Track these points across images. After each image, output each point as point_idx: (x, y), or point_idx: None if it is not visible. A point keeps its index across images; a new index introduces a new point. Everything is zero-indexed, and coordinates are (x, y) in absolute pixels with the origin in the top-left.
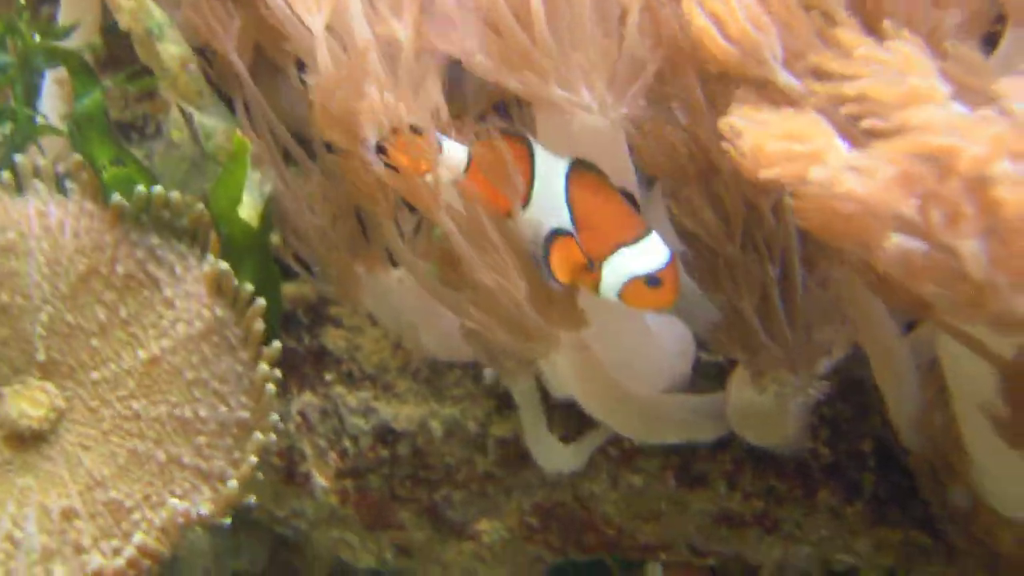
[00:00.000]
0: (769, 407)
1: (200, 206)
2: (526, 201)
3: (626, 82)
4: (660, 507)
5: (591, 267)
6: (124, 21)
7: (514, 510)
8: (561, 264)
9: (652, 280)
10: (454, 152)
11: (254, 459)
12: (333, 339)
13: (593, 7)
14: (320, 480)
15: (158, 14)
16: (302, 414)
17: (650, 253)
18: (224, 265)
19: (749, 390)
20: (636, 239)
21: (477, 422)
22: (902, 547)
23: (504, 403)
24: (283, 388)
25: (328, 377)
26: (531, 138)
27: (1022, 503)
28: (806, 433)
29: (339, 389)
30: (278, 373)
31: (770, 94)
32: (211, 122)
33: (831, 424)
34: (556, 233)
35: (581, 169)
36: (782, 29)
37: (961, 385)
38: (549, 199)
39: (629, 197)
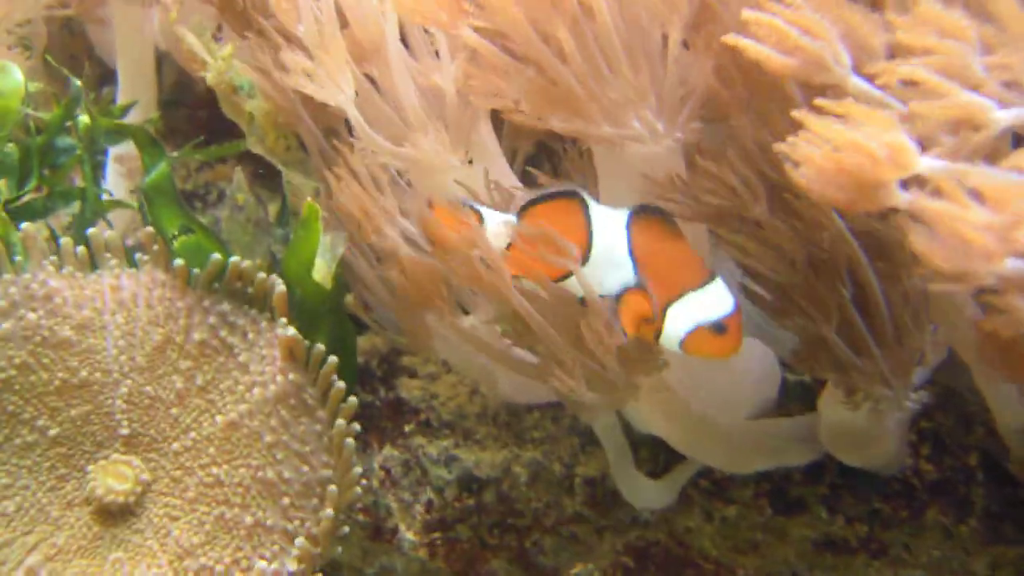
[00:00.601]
0: (864, 424)
1: (262, 274)
2: (585, 259)
3: (676, 106)
4: (757, 537)
5: (655, 317)
6: (211, 79)
7: (607, 551)
8: (630, 318)
9: (718, 327)
10: (495, 224)
11: (330, 512)
12: (408, 389)
13: (629, 35)
14: (408, 535)
15: (245, 71)
16: (385, 468)
17: (715, 300)
18: (292, 330)
19: (841, 409)
20: (701, 285)
21: (562, 463)
22: (1022, 563)
23: (588, 441)
24: (364, 443)
25: (407, 428)
26: (583, 193)
27: None
28: (906, 450)
29: (419, 440)
30: (357, 427)
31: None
32: (298, 179)
33: (932, 438)
34: (626, 289)
35: (644, 215)
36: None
37: None
38: (610, 253)
39: None
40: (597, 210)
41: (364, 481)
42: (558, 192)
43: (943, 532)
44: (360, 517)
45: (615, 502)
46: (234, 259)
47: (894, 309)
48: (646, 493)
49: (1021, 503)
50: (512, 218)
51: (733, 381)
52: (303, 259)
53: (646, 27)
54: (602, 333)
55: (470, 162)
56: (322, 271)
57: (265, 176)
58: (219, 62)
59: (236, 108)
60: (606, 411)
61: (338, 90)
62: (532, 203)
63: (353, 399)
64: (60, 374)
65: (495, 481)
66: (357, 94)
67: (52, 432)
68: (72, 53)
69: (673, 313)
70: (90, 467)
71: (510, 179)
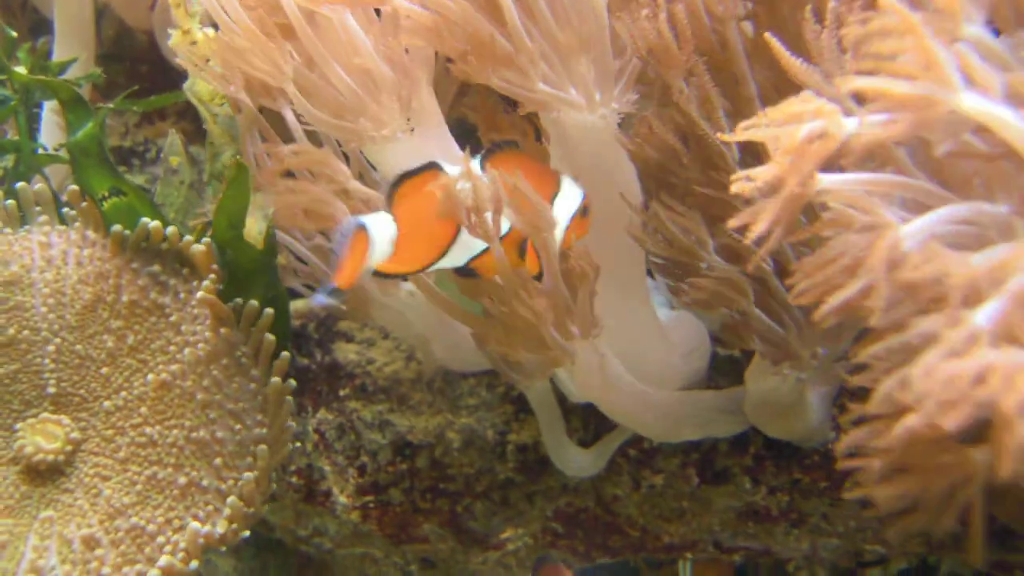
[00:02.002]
0: (788, 396)
1: (189, 239)
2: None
3: (615, 77)
4: (683, 505)
5: None
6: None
7: (537, 516)
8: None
9: (584, 211)
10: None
11: (249, 475)
12: (345, 353)
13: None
14: (341, 498)
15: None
16: (319, 432)
17: (573, 193)
18: (204, 291)
19: (766, 381)
20: (560, 188)
21: (495, 430)
22: (929, 532)
23: (521, 409)
24: (299, 406)
25: (343, 392)
26: (439, 164)
27: None
28: (829, 423)
29: (354, 404)
30: (292, 383)
31: None
32: (222, 137)
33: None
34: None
35: (494, 153)
36: None
37: None
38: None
39: None
40: (453, 169)
41: (298, 444)
42: (418, 168)
43: (860, 503)
44: (294, 480)
45: (546, 469)
46: (156, 223)
47: None
48: (576, 460)
49: None
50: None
51: (667, 351)
52: (233, 218)
53: None
54: (530, 288)
55: (412, 130)
56: (253, 231)
57: (203, 134)
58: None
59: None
60: (540, 377)
61: (277, 69)
62: (398, 183)
63: (286, 354)
64: None
65: (428, 446)
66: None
67: None
68: (6, 2)
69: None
70: (18, 425)
71: (453, 146)
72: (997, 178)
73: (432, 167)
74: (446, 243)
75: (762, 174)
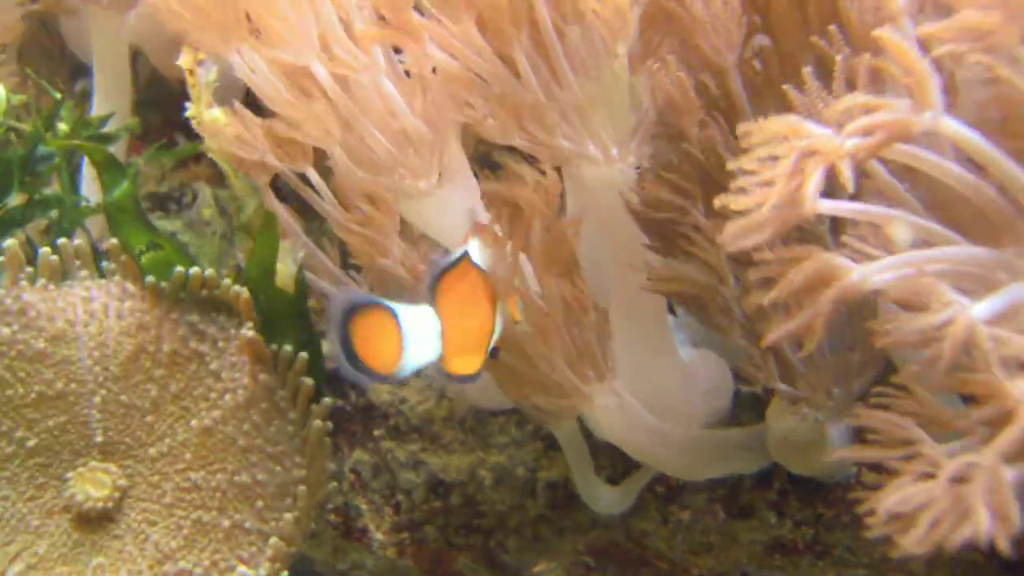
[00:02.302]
0: (808, 435)
1: (227, 281)
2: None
3: (632, 132)
4: (711, 540)
5: None
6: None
7: (568, 551)
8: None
9: None
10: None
11: (289, 515)
12: (378, 394)
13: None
14: (377, 534)
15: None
16: (355, 471)
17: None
18: (250, 332)
19: (787, 419)
20: None
21: (526, 467)
22: (953, 564)
23: (550, 445)
24: (335, 447)
25: (377, 432)
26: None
27: None
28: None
29: (388, 443)
30: (330, 425)
31: None
32: (244, 190)
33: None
34: None
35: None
36: None
37: None
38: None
39: None
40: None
41: (335, 484)
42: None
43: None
44: (332, 517)
45: (575, 504)
46: (195, 269)
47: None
48: (605, 498)
49: None
50: None
51: (686, 390)
52: (264, 265)
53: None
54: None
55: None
56: (284, 276)
57: None
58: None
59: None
60: (566, 419)
61: (326, 133)
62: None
63: (327, 400)
64: (36, 386)
65: (461, 484)
66: None
67: (30, 443)
68: (45, 47)
69: None
70: (69, 475)
71: (478, 196)
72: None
73: (464, 257)
74: (491, 323)
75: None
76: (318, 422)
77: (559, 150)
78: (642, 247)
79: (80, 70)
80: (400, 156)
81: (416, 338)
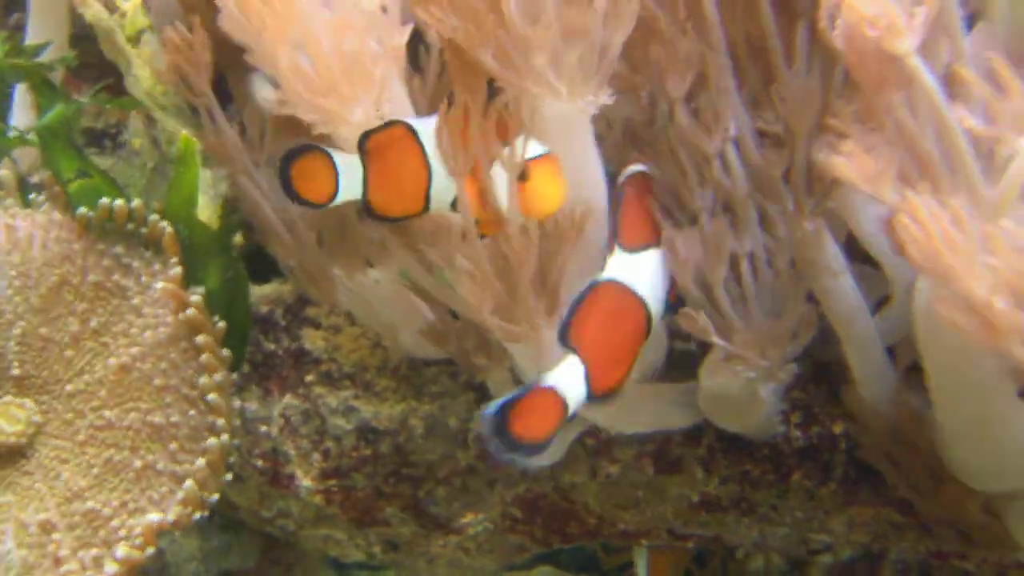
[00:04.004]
0: (740, 393)
1: (155, 216)
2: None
3: (593, 68)
4: (639, 495)
5: None
6: (89, 16)
7: (497, 502)
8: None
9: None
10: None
11: (201, 461)
12: (312, 340)
13: None
14: (305, 481)
15: (142, 22)
16: (284, 416)
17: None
18: (174, 272)
19: (720, 376)
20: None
21: (458, 417)
22: (875, 524)
23: (483, 397)
24: (265, 391)
25: (308, 378)
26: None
27: (989, 478)
28: (778, 417)
29: (320, 390)
30: (233, 376)
31: None
32: (174, 126)
33: (803, 408)
34: None
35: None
36: None
37: (939, 360)
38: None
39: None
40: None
41: (264, 428)
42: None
43: (807, 494)
44: (259, 463)
45: None
46: (120, 200)
47: (777, 281)
48: None
49: (875, 471)
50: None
51: None
52: (185, 197)
53: None
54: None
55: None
56: (207, 210)
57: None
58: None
59: (115, 48)
60: (498, 366)
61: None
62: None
63: (226, 351)
64: None
65: (392, 432)
66: None
67: None
68: None
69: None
70: None
71: None
72: None
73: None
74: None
75: None
76: (219, 375)
77: (527, 80)
78: (592, 186)
79: (16, 2)
80: (344, 81)
81: (346, 176)
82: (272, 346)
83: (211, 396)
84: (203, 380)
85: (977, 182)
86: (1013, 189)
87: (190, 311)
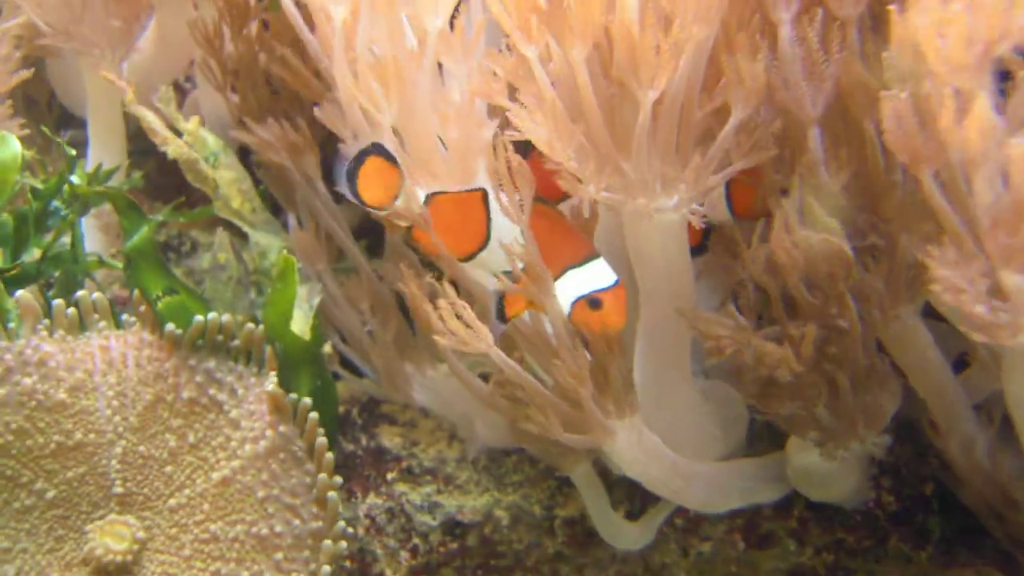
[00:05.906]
0: (830, 467)
1: (250, 326)
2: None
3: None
4: (731, 570)
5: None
6: (172, 152)
7: None
8: (514, 299)
9: (594, 302)
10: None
11: (327, 568)
12: (390, 436)
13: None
14: None
15: (212, 142)
16: (369, 516)
17: (595, 275)
18: (273, 385)
19: (810, 453)
20: (582, 262)
21: (541, 505)
22: None
23: (565, 482)
24: (348, 492)
25: (390, 476)
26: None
27: None
28: (868, 483)
29: (402, 487)
30: (339, 479)
31: None
32: (265, 240)
33: (892, 471)
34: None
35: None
36: None
37: None
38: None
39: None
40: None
41: (350, 530)
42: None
43: (904, 558)
44: (347, 564)
45: (593, 540)
46: (212, 315)
47: (869, 364)
48: (624, 535)
49: (972, 529)
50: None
51: (704, 422)
52: (281, 311)
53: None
54: (570, 361)
55: None
56: (300, 322)
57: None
58: (182, 138)
59: (200, 176)
60: (584, 459)
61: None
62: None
63: (330, 455)
64: (56, 437)
65: (477, 525)
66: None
67: (49, 495)
68: (30, 94)
69: (558, 288)
70: (87, 527)
71: None
72: None
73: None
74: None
75: None
76: (323, 476)
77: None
78: (676, 283)
79: (69, 121)
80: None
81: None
82: (351, 446)
83: (331, 494)
84: (321, 478)
85: None
86: None
87: (310, 417)
